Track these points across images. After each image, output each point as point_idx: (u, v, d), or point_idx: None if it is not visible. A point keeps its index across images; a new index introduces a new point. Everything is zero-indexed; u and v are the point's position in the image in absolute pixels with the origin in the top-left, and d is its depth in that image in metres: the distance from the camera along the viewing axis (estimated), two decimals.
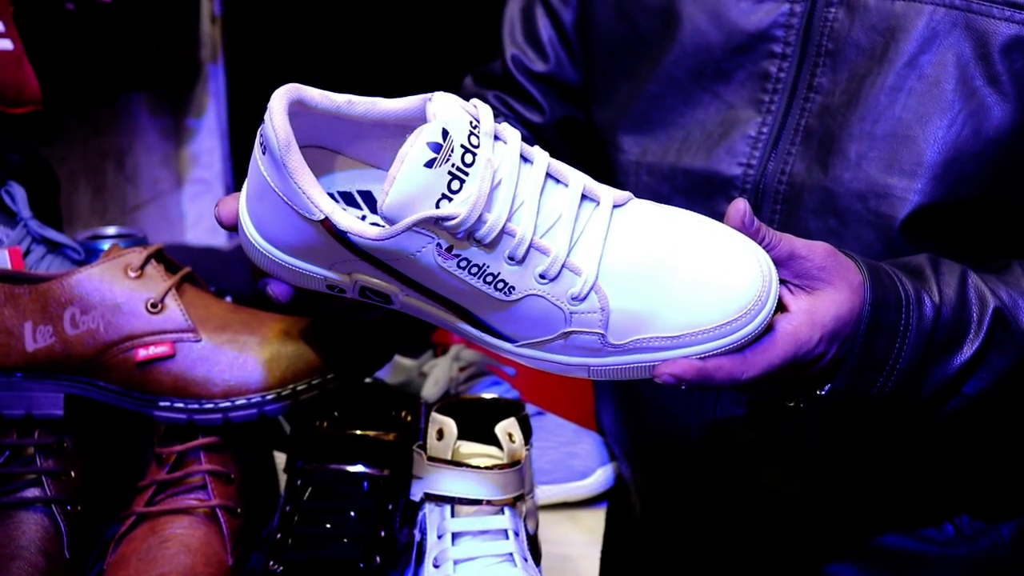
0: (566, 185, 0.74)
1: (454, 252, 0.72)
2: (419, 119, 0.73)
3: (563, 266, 0.73)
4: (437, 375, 1.21)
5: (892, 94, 0.94)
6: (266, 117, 0.72)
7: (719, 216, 0.99)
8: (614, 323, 0.74)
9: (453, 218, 0.70)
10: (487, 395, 1.03)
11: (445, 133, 0.69)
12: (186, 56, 1.79)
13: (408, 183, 0.69)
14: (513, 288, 0.73)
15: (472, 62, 1.22)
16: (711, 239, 0.76)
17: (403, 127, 0.74)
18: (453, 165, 0.69)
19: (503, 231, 0.72)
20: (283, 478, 0.98)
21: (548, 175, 0.74)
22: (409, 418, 0.98)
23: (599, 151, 1.10)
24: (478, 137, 0.71)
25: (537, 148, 0.75)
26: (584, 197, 0.75)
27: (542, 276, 0.73)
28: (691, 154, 1.02)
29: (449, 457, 0.91)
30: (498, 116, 1.12)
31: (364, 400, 0.99)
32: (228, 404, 0.92)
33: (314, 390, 0.92)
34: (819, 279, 0.79)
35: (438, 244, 0.71)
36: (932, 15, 0.93)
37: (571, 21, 1.13)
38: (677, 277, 0.74)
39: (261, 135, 0.72)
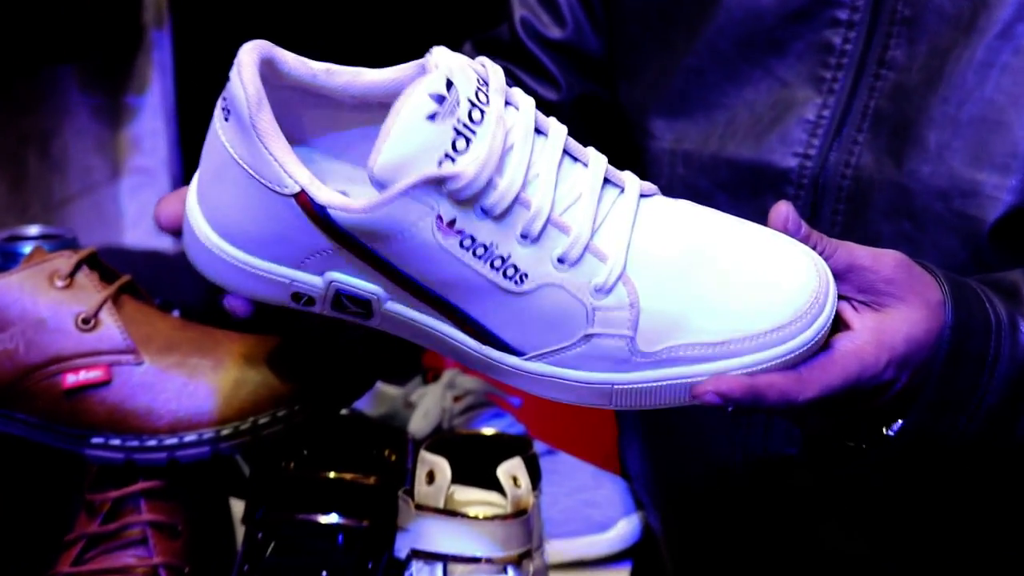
0: (585, 165, 0.74)
1: (457, 227, 0.71)
2: None
3: (586, 248, 0.72)
4: (427, 406, 1.22)
5: (982, 71, 0.94)
6: (232, 73, 0.71)
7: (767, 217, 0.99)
8: (645, 325, 0.73)
9: (458, 178, 0.69)
10: (487, 430, 1.04)
11: (449, 84, 0.69)
12: (125, 20, 1.79)
13: (406, 138, 0.68)
14: (526, 276, 0.72)
15: (473, 31, 1.21)
16: (755, 232, 0.76)
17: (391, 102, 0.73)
18: (459, 121, 0.69)
19: (516, 200, 0.71)
20: (240, 530, 0.98)
21: (566, 152, 0.74)
22: (393, 458, 0.98)
23: (626, 137, 1.10)
24: (487, 95, 0.71)
25: (553, 120, 0.75)
26: (607, 181, 0.75)
27: (560, 260, 0.72)
28: (736, 142, 1.02)
29: (441, 505, 0.91)
30: None
31: (339, 436, 0.99)
32: (175, 441, 0.91)
33: (279, 424, 0.92)
34: (888, 294, 0.78)
35: (438, 217, 0.70)
36: None
37: None
38: (719, 272, 0.74)
39: (224, 97, 0.72)
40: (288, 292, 0.75)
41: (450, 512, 0.89)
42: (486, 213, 0.71)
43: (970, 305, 0.80)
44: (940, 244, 0.95)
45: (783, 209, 0.77)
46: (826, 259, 0.77)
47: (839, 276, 0.77)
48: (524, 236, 0.72)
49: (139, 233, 1.86)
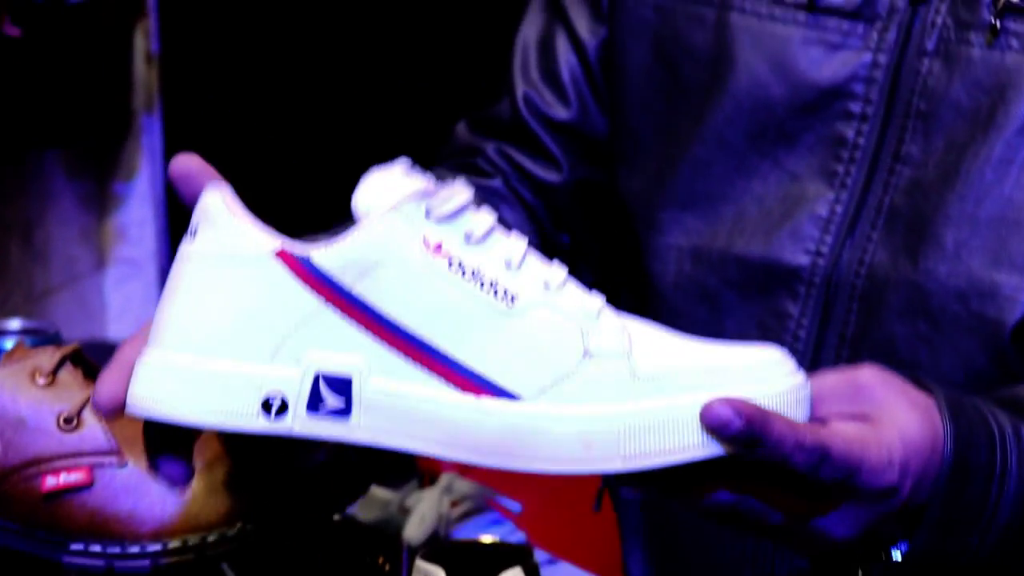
0: None
1: (444, 250, 0.73)
2: None
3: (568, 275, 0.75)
4: (423, 511, 1.21)
5: (1001, 168, 0.95)
6: (203, 197, 0.75)
7: (781, 317, 0.99)
8: (638, 343, 0.75)
9: (440, 194, 0.73)
10: (486, 537, 1.02)
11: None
12: (114, 104, 1.80)
13: (386, 179, 0.74)
14: (516, 296, 0.74)
15: (446, 118, 1.21)
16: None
17: None
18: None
19: (494, 227, 0.74)
20: None
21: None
22: (388, 567, 0.99)
23: (626, 228, 1.09)
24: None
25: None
26: None
27: (546, 285, 0.74)
28: (746, 238, 1.02)
29: None
30: (495, 175, 1.13)
31: (331, 543, 0.99)
32: (158, 548, 0.90)
33: (270, 530, 0.92)
34: (871, 400, 0.76)
35: (424, 240, 0.73)
36: None
37: (596, 56, 1.12)
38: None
39: (191, 224, 0.75)
40: (258, 400, 0.74)
41: None
42: (468, 238, 0.73)
43: (967, 414, 0.79)
44: (959, 347, 0.95)
45: (722, 413, 0.73)
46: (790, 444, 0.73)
47: (819, 400, 0.75)
48: (507, 264, 0.74)
49: (124, 326, 1.85)
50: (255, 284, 0.74)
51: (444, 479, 1.25)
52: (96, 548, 0.91)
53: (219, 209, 0.75)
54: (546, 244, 1.13)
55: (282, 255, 0.73)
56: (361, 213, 0.73)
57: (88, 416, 0.91)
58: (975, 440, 0.78)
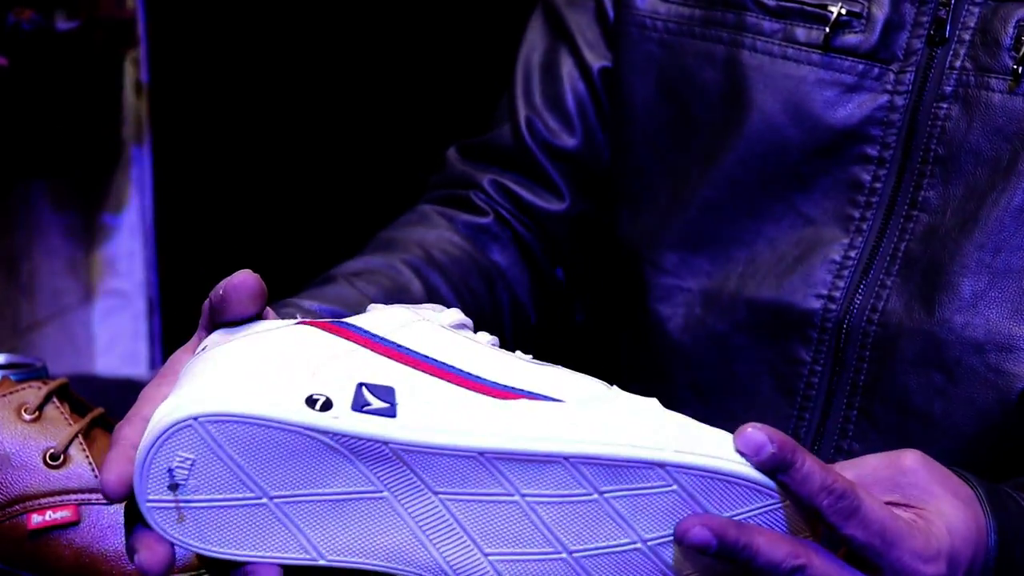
0: None
1: None
2: None
3: None
4: None
5: (1021, 217, 0.92)
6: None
7: (793, 363, 0.97)
8: None
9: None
10: None
11: None
12: (103, 135, 1.78)
13: None
14: None
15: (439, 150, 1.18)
16: None
17: None
18: None
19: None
20: None
21: None
22: None
23: (629, 268, 1.06)
24: None
25: None
26: None
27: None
28: (757, 281, 0.99)
29: None
30: (488, 213, 1.10)
31: None
32: None
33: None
34: (914, 486, 0.73)
35: None
36: None
37: (603, 83, 1.09)
38: None
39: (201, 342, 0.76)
40: (302, 397, 0.71)
41: None
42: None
43: (1007, 506, 0.77)
44: (974, 400, 0.92)
45: (760, 438, 0.70)
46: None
47: (861, 485, 0.72)
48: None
49: (112, 360, 1.85)
50: (282, 339, 0.72)
51: None
52: None
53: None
54: (540, 281, 1.11)
55: (304, 322, 0.72)
56: None
57: (75, 452, 0.91)
58: (1019, 529, 0.76)
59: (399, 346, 0.73)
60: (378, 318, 0.74)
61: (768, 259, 0.99)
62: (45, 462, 0.88)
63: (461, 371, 0.73)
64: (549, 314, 1.12)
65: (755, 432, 0.69)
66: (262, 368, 0.72)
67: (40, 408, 0.90)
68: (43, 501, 0.88)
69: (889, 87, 0.98)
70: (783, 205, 0.99)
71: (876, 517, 0.70)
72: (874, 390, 0.95)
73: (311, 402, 0.71)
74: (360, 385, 0.72)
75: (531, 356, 0.75)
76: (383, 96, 2.03)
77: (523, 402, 0.73)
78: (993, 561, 0.75)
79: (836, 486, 0.69)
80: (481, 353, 0.74)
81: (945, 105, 0.96)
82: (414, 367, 0.73)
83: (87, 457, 0.89)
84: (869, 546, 0.70)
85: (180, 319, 1.98)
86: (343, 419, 0.70)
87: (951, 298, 0.93)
